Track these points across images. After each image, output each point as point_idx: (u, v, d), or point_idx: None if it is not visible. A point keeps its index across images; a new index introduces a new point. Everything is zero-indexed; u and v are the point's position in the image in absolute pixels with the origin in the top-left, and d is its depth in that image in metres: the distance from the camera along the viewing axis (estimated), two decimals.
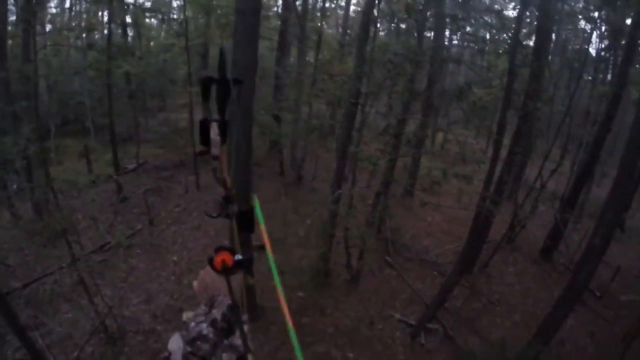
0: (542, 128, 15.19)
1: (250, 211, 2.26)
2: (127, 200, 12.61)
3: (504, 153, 10.51)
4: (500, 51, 13.86)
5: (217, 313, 1.51)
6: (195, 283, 2.00)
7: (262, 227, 1.49)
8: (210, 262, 1.48)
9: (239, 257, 1.71)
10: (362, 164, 9.58)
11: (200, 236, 10.58)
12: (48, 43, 15.55)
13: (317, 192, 13.24)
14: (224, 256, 1.71)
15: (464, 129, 11.38)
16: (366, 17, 8.74)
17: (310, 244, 9.77)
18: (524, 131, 10.47)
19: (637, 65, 16.70)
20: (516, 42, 9.95)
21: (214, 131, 2.01)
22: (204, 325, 1.66)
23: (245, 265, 1.80)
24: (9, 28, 14.53)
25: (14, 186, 12.29)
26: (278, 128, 12.34)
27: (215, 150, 1.99)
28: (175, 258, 10.53)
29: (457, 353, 8.40)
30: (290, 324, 1.05)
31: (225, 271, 1.60)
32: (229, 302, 1.53)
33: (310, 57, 15.87)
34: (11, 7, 13.40)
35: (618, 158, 8.84)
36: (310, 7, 16.95)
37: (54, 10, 19.75)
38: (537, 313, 9.95)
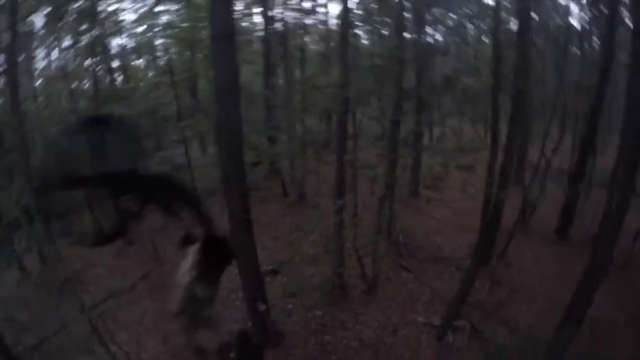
0: (537, 107, 15.05)
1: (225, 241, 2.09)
2: (133, 242, 12.51)
3: (503, 138, 10.35)
4: (482, 36, 13.81)
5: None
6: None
7: None
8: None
9: None
10: (363, 172, 9.45)
11: None
12: (36, 93, 15.64)
13: (320, 207, 13.14)
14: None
15: (459, 120, 11.27)
16: (344, 23, 8.76)
17: (320, 261, 9.59)
18: (519, 112, 10.34)
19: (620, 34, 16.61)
20: (497, 22, 9.85)
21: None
22: None
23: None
24: None
25: (22, 244, 12.21)
26: (273, 149, 12.30)
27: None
28: None
29: (487, 347, 8.12)
30: None
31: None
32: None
33: (297, 74, 15.91)
34: None
35: (617, 125, 8.59)
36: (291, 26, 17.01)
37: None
38: (561, 295, 9.56)
